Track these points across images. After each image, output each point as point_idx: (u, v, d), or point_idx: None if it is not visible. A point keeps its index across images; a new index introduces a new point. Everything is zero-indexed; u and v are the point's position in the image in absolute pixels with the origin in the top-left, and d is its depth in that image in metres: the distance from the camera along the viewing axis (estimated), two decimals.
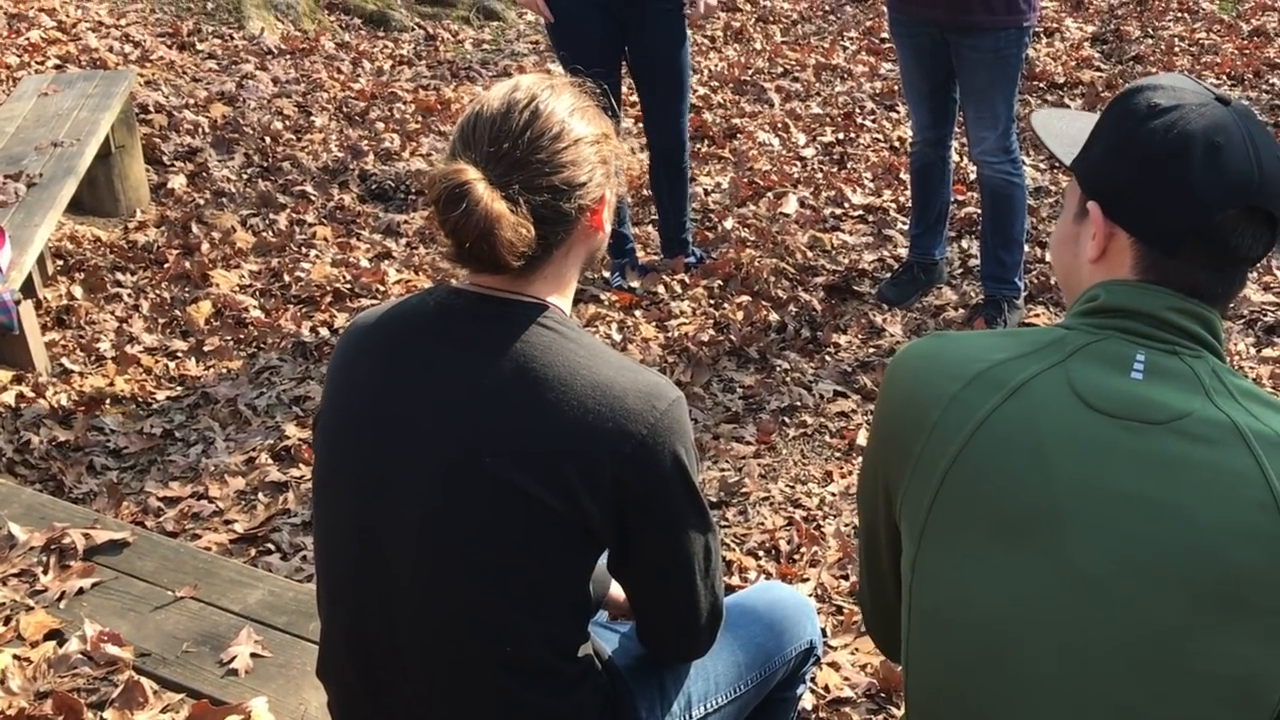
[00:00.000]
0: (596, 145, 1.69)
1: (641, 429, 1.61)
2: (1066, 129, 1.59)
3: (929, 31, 4.14)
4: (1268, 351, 4.25)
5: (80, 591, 2.44)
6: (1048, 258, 4.91)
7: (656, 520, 1.67)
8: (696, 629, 1.80)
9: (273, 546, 3.33)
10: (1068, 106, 6.26)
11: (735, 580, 3.16)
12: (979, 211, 5.29)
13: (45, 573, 2.48)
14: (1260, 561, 1.29)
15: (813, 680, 2.80)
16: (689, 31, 4.56)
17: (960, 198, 5.43)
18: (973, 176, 5.62)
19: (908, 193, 5.55)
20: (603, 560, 1.75)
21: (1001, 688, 1.38)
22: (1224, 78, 6.82)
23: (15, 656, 2.25)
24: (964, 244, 5.09)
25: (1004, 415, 1.39)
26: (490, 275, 1.66)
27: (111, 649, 2.25)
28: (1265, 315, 4.47)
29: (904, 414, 1.48)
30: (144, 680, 2.18)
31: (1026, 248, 4.63)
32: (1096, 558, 1.33)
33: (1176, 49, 7.26)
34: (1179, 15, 7.91)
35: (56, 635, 2.33)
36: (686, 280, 4.73)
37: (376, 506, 1.68)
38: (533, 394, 1.60)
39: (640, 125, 4.77)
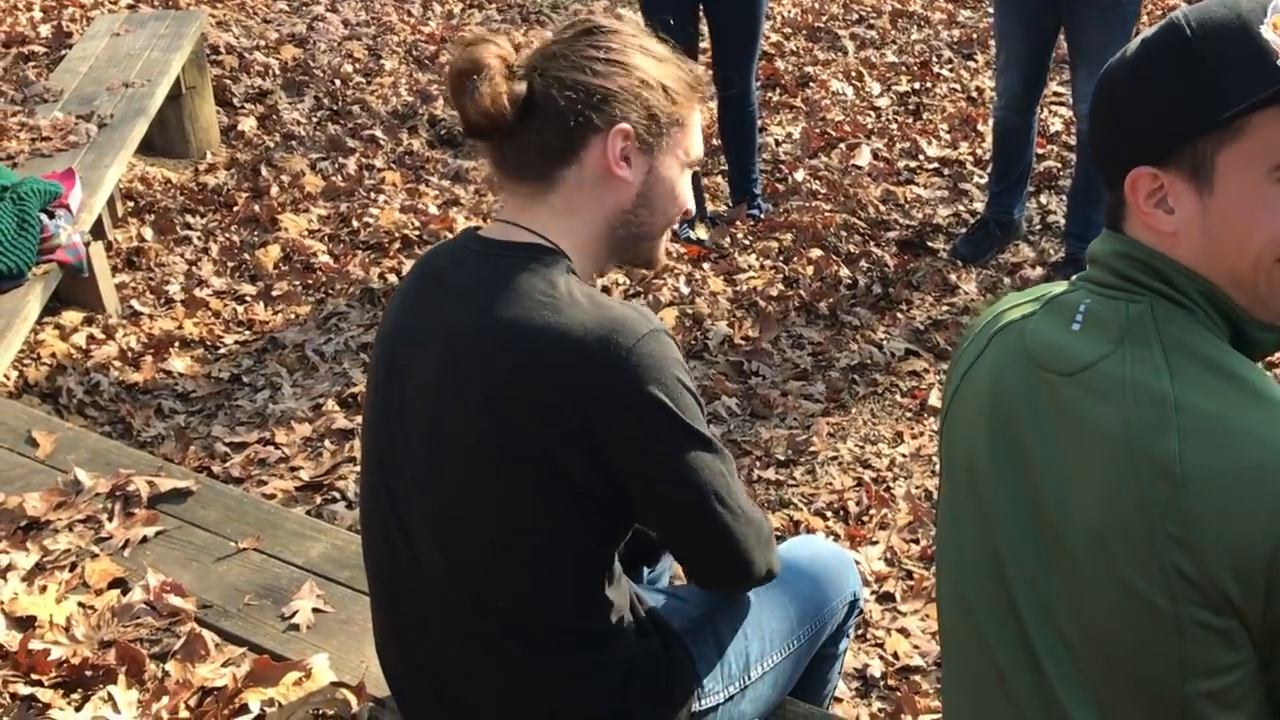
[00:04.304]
0: (633, 78, 1.62)
1: (608, 372, 1.52)
2: None
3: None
4: None
5: (144, 540, 2.43)
6: None
7: (650, 465, 1.59)
8: (745, 555, 1.70)
9: (338, 495, 3.32)
10: None
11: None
12: (1058, 165, 5.18)
13: (110, 520, 2.48)
14: (1115, 523, 1.21)
15: (881, 649, 2.76)
16: None
17: (1040, 151, 5.30)
18: (1053, 129, 5.49)
19: (985, 145, 5.44)
20: None
21: (970, 648, 1.39)
22: None
23: (80, 604, 2.25)
24: (1042, 199, 4.97)
25: (973, 371, 1.41)
26: (509, 195, 1.65)
27: (174, 600, 2.25)
28: None
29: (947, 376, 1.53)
30: (205, 633, 2.17)
31: None
32: (1006, 515, 1.32)
33: None
34: None
35: (121, 584, 2.33)
36: (756, 233, 4.66)
37: (388, 463, 1.69)
38: (506, 343, 1.55)
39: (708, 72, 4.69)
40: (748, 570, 1.72)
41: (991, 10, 4.73)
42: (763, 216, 4.79)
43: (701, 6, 4.39)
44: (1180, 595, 1.18)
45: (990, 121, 4.66)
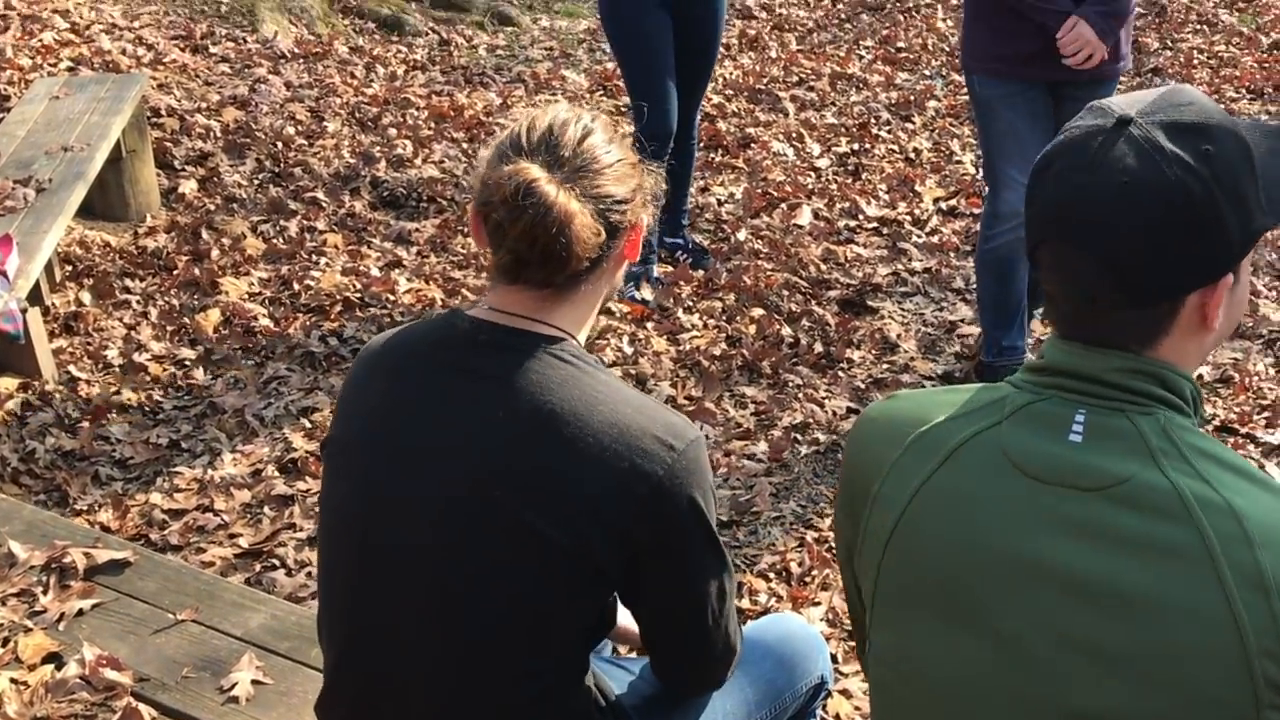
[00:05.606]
0: (635, 169, 1.69)
1: (658, 470, 1.56)
2: None
3: (1040, 92, 3.77)
4: None
5: (80, 613, 2.40)
6: None
7: (670, 564, 1.63)
8: (710, 666, 1.78)
9: (277, 562, 3.29)
10: None
11: (745, 603, 3.11)
12: None
13: (45, 593, 2.45)
14: (1204, 641, 1.18)
15: (823, 710, 2.75)
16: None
17: (976, 210, 5.38)
18: None
19: (923, 205, 5.52)
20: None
21: None
22: (1244, 91, 6.76)
23: (13, 680, 2.22)
24: None
25: (937, 482, 1.33)
26: (520, 295, 1.63)
27: (110, 674, 2.21)
28: None
29: (854, 482, 1.44)
30: (142, 707, 2.15)
31: None
32: (1033, 635, 1.25)
33: (1195, 61, 7.21)
34: (1198, 27, 7.86)
35: (55, 658, 2.30)
36: (699, 293, 4.69)
37: (379, 539, 1.64)
38: (546, 429, 1.56)
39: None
40: (707, 684, 1.84)
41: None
42: (689, 251, 4.92)
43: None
44: (1265, 700, 1.17)
45: (977, 259, 4.06)
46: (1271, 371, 4.21)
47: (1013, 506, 1.28)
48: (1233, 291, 1.30)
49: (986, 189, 3.98)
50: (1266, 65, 7.12)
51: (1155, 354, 1.29)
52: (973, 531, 1.29)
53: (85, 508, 3.49)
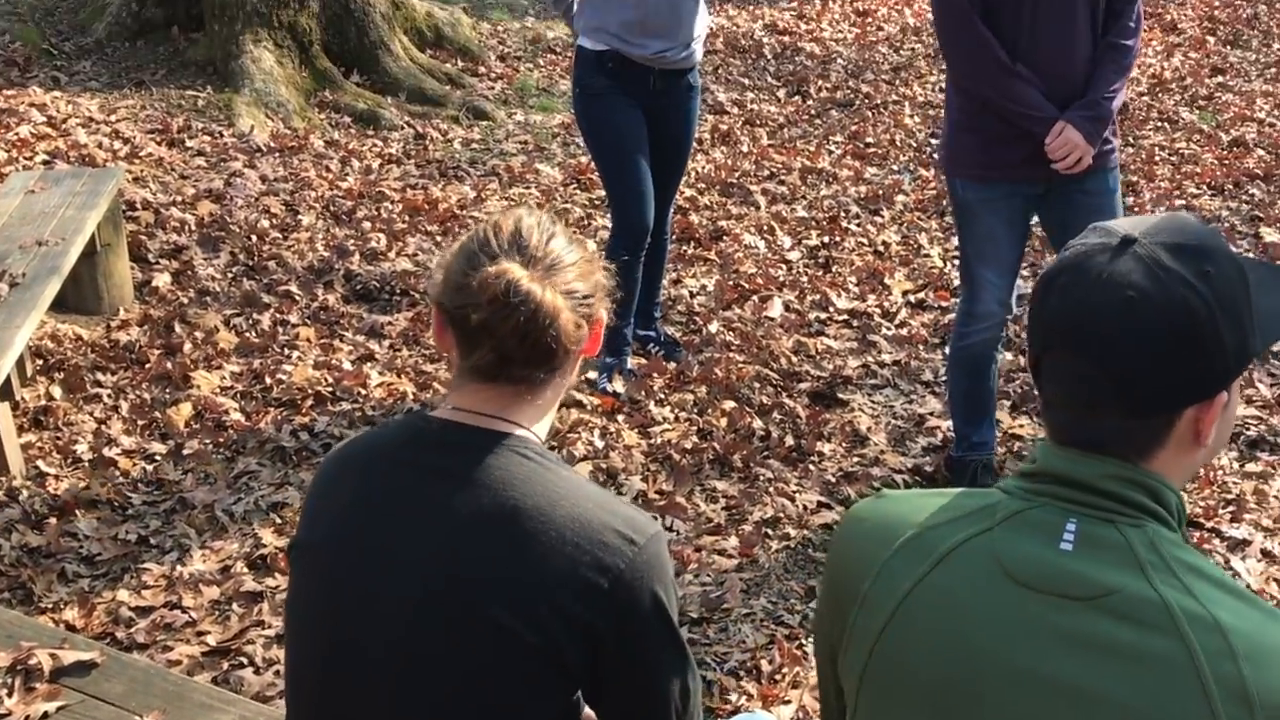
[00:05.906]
0: (592, 265, 1.74)
1: (619, 564, 1.59)
2: None
3: (1029, 191, 3.72)
4: (1251, 466, 4.24)
5: (45, 716, 2.38)
6: None
7: (631, 659, 1.65)
8: None
9: (245, 660, 3.26)
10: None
11: (716, 702, 3.11)
12: None
13: (10, 695, 2.43)
14: None
15: None
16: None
17: (945, 304, 5.44)
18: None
19: (891, 298, 5.58)
20: None
21: None
22: (1204, 187, 6.89)
23: None
24: (947, 350, 5.08)
25: (929, 586, 1.35)
26: (489, 394, 1.67)
27: None
28: (1248, 429, 4.46)
29: (841, 581, 1.46)
30: None
31: None
32: None
33: (1157, 158, 7.34)
34: (1159, 125, 8.01)
35: None
36: (670, 385, 4.72)
37: (348, 638, 1.66)
38: (511, 525, 1.59)
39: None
40: None
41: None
42: (662, 343, 4.97)
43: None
44: None
45: (949, 357, 4.14)
46: (1236, 465, 4.25)
47: (1003, 613, 1.30)
48: (1225, 409, 1.35)
49: (961, 287, 4.03)
50: (1226, 162, 7.26)
51: (1149, 465, 1.33)
52: (963, 637, 1.31)
53: (50, 605, 3.46)
